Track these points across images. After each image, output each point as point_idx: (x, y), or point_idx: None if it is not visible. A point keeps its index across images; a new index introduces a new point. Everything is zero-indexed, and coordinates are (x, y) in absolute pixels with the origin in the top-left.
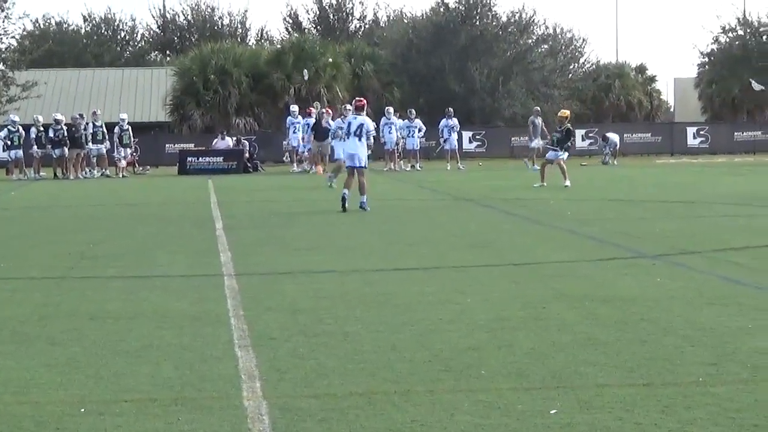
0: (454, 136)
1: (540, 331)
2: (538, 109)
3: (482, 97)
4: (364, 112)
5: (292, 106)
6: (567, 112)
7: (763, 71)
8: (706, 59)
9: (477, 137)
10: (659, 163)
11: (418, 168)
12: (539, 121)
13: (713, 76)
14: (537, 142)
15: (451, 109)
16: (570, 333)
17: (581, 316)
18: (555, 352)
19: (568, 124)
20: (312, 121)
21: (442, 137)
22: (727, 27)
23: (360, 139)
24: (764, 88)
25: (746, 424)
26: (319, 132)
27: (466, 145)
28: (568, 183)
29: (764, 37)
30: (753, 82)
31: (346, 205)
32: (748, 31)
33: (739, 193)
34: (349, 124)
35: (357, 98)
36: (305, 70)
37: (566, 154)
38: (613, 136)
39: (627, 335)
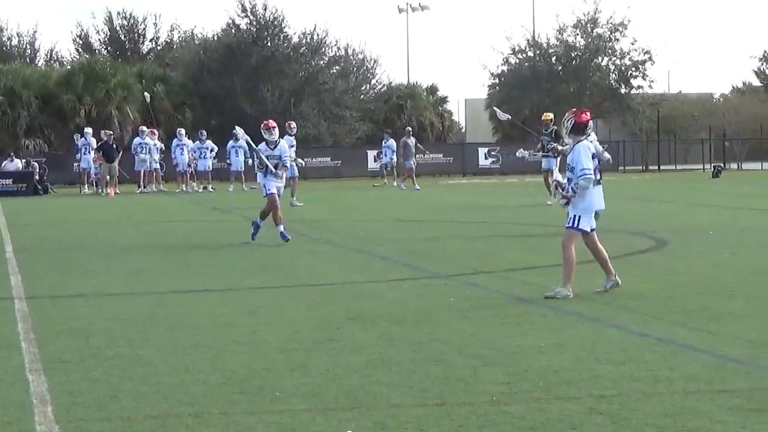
0: (241, 157)
1: (334, 352)
2: (410, 129)
3: (274, 118)
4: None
5: (86, 128)
6: (551, 115)
7: (551, 91)
8: (497, 80)
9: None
10: (451, 184)
11: (211, 189)
12: (412, 141)
13: (504, 97)
14: (413, 162)
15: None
16: (364, 354)
17: (375, 337)
18: (349, 373)
19: (554, 127)
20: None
21: (229, 159)
22: (516, 48)
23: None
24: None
25: None
26: (108, 154)
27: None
28: (551, 201)
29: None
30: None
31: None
32: (538, 52)
33: (529, 213)
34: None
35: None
36: (146, 93)
37: (555, 161)
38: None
39: (421, 355)
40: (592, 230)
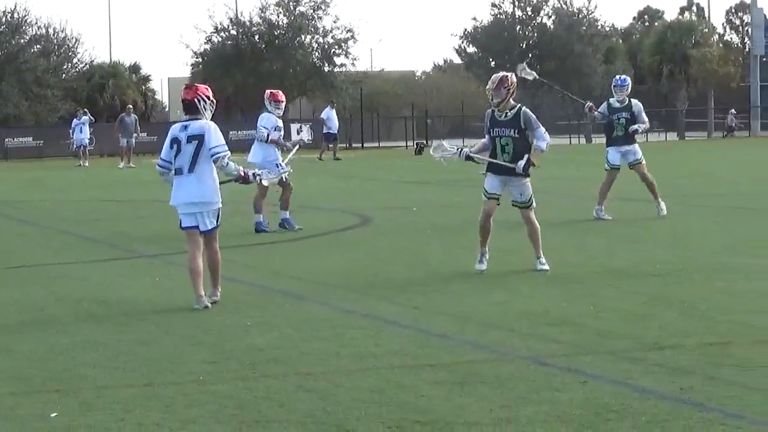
0: None
1: (39, 334)
2: (131, 107)
3: None
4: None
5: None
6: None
7: (255, 70)
8: (200, 59)
9: None
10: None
11: None
12: (131, 119)
13: (207, 76)
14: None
15: None
16: (69, 336)
17: (80, 319)
18: (54, 355)
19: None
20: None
21: None
22: (219, 27)
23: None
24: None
25: (247, 420)
26: None
27: None
28: None
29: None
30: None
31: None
32: (241, 31)
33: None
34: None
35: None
36: None
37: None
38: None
39: (127, 336)
40: (188, 227)
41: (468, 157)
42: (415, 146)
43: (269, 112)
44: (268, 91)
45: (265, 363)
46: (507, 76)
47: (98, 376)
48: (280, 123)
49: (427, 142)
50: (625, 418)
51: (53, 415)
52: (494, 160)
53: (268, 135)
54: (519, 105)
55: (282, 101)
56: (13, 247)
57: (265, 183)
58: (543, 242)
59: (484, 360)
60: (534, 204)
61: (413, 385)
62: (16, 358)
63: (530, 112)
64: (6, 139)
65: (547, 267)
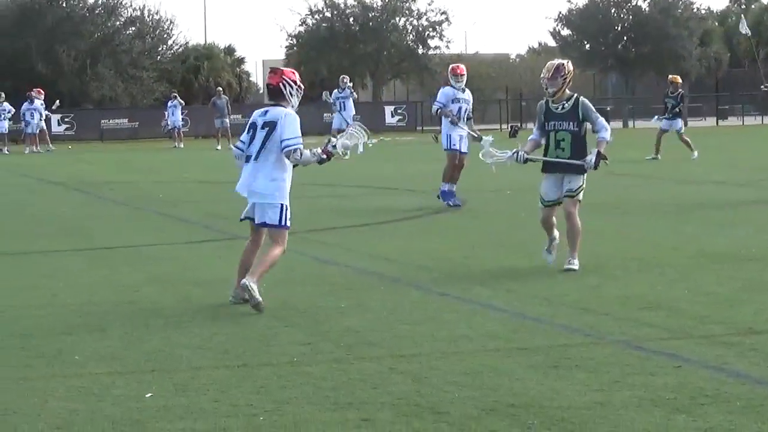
0: (36, 119)
1: (133, 315)
2: (220, 89)
3: (70, 79)
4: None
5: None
6: (678, 77)
7: (349, 52)
8: (294, 41)
9: (66, 120)
10: None
11: (6, 152)
12: (222, 101)
13: (301, 58)
14: (225, 122)
15: (32, 93)
16: (163, 316)
17: (174, 299)
18: (149, 336)
19: (681, 91)
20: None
21: (24, 120)
22: (314, 9)
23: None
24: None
25: (341, 402)
26: None
27: (55, 128)
28: (696, 154)
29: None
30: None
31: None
32: (335, 13)
33: (325, 175)
34: None
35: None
36: None
37: (681, 122)
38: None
39: (221, 317)
40: (250, 220)
41: (526, 160)
42: (510, 129)
43: (451, 85)
44: (450, 66)
45: (359, 345)
46: (563, 63)
47: (192, 357)
48: (460, 95)
49: (521, 125)
50: (719, 402)
51: (148, 395)
52: (556, 159)
53: (438, 110)
54: (575, 94)
55: (462, 74)
56: (107, 228)
57: (339, 150)
58: (638, 227)
59: (579, 344)
60: (581, 197)
61: (507, 368)
62: (110, 339)
63: (587, 101)
64: (102, 121)
65: (576, 267)
